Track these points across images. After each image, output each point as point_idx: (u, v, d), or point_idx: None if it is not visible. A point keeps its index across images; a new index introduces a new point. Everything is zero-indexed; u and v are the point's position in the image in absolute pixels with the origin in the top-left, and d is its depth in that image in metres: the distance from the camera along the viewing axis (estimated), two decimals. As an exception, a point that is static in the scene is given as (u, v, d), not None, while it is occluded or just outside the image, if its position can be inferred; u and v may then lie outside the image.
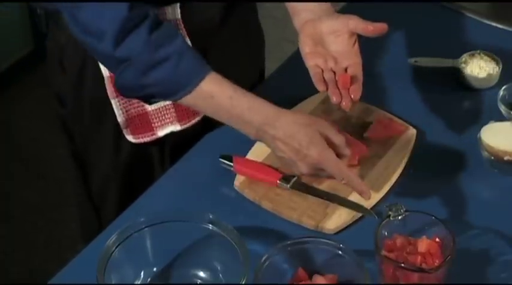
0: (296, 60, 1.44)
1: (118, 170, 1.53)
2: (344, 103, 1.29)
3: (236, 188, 1.37)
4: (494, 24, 1.72)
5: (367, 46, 1.69)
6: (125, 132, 1.45)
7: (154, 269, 1.23)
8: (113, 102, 1.42)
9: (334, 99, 1.29)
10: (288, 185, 1.34)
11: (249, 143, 1.42)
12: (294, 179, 1.34)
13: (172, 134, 1.47)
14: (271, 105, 1.25)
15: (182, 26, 1.38)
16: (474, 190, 1.37)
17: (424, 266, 1.16)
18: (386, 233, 1.19)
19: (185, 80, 1.23)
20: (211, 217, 1.21)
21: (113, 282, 1.17)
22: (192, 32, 1.39)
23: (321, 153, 1.21)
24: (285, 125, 1.23)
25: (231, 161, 1.37)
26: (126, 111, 1.43)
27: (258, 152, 1.41)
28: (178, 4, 1.36)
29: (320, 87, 1.31)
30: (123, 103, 1.42)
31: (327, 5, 1.40)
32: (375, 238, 1.17)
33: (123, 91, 1.30)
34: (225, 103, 1.24)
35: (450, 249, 1.15)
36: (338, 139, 1.24)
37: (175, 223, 1.21)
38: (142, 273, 1.22)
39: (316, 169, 1.23)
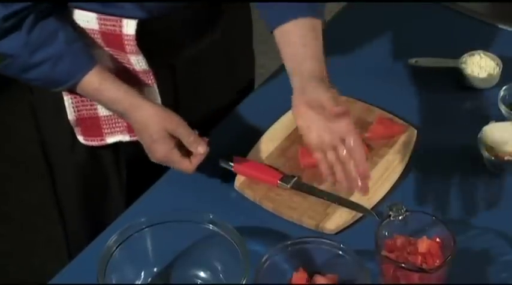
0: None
1: (75, 171, 1.52)
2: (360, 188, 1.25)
3: (236, 188, 1.37)
4: (494, 24, 1.72)
5: (367, 46, 1.69)
6: (75, 130, 1.44)
7: (155, 269, 1.23)
8: (65, 98, 1.41)
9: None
10: (288, 186, 1.34)
11: (249, 144, 1.43)
12: (294, 179, 1.34)
13: (127, 142, 1.45)
14: (131, 97, 1.30)
15: (135, 42, 1.32)
16: (474, 190, 1.37)
17: (424, 266, 1.16)
18: (386, 233, 1.19)
19: (62, 79, 1.30)
20: (211, 217, 1.21)
21: (113, 283, 1.17)
22: (149, 47, 1.35)
23: (165, 154, 1.29)
24: (139, 118, 1.30)
25: (231, 161, 1.37)
26: (78, 111, 1.42)
27: (258, 153, 1.41)
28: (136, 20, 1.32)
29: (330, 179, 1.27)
30: (76, 102, 1.41)
31: (316, 68, 1.29)
32: (375, 238, 1.17)
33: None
34: (92, 95, 1.32)
35: (450, 249, 1.15)
36: (187, 138, 1.29)
37: (175, 223, 1.21)
38: (142, 273, 1.22)
39: (165, 161, 1.31)
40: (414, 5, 1.77)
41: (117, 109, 1.32)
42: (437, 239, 1.18)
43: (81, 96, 1.37)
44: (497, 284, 1.22)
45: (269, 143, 1.43)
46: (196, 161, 1.30)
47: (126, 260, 1.19)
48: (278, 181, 1.34)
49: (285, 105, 1.49)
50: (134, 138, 1.40)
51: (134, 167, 1.49)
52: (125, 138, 1.44)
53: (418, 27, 1.71)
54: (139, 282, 1.22)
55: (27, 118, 1.57)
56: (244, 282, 1.12)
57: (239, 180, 1.37)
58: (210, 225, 1.20)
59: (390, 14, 1.76)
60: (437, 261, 1.16)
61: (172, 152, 1.29)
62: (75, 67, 1.29)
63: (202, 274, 1.23)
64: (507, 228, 1.29)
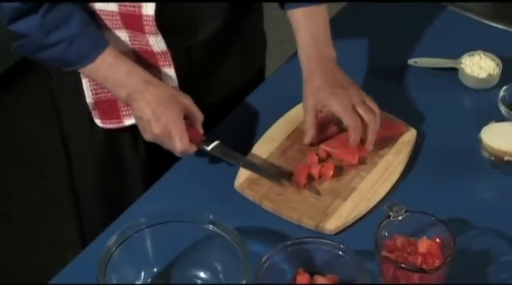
0: (296, 61, 1.44)
1: (93, 154, 1.53)
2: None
3: (236, 188, 1.37)
4: (494, 24, 1.72)
5: (367, 46, 1.69)
6: (93, 114, 1.46)
7: (155, 270, 1.23)
8: (83, 81, 1.42)
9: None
10: (208, 148, 1.35)
11: (249, 143, 1.43)
12: (215, 143, 1.36)
13: None
14: (146, 73, 1.35)
15: (154, 22, 1.34)
16: (474, 190, 1.37)
17: (424, 266, 1.16)
18: (386, 234, 1.19)
19: (76, 60, 1.34)
20: (211, 217, 1.21)
21: (114, 283, 1.17)
22: (167, 28, 1.37)
23: (173, 118, 1.30)
24: (155, 90, 1.32)
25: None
26: (96, 94, 1.43)
27: (258, 152, 1.41)
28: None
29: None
30: (94, 85, 1.42)
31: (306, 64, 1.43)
32: (375, 238, 1.17)
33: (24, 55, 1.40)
34: (104, 73, 1.34)
35: (450, 249, 1.15)
36: (198, 113, 1.34)
37: (175, 224, 1.21)
38: (142, 273, 1.22)
39: (164, 132, 1.30)
40: (414, 5, 1.77)
41: (129, 84, 1.33)
42: (437, 240, 1.18)
43: None
44: (497, 284, 1.22)
45: (269, 143, 1.43)
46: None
47: (126, 260, 1.19)
48: (200, 142, 1.35)
49: (285, 105, 1.49)
50: None
51: (152, 148, 1.50)
52: None
53: (418, 27, 1.71)
54: (139, 283, 1.22)
55: (55, 131, 1.58)
56: (244, 283, 1.12)
57: (239, 180, 1.37)
58: (210, 225, 1.20)
59: (390, 14, 1.76)
60: (437, 261, 1.16)
61: (181, 119, 1.30)
62: (89, 48, 1.33)
63: (202, 274, 1.23)
64: (507, 228, 1.29)
